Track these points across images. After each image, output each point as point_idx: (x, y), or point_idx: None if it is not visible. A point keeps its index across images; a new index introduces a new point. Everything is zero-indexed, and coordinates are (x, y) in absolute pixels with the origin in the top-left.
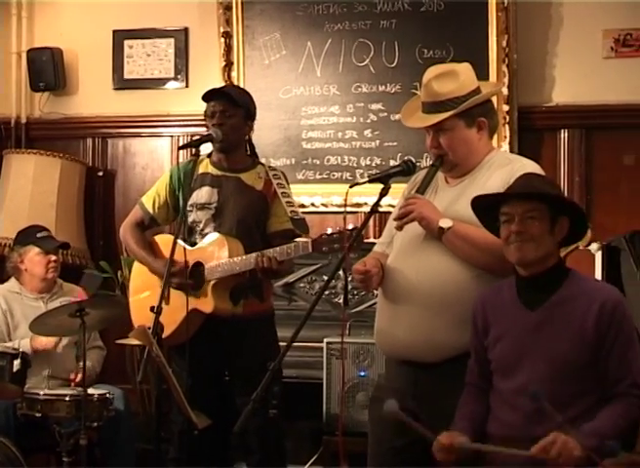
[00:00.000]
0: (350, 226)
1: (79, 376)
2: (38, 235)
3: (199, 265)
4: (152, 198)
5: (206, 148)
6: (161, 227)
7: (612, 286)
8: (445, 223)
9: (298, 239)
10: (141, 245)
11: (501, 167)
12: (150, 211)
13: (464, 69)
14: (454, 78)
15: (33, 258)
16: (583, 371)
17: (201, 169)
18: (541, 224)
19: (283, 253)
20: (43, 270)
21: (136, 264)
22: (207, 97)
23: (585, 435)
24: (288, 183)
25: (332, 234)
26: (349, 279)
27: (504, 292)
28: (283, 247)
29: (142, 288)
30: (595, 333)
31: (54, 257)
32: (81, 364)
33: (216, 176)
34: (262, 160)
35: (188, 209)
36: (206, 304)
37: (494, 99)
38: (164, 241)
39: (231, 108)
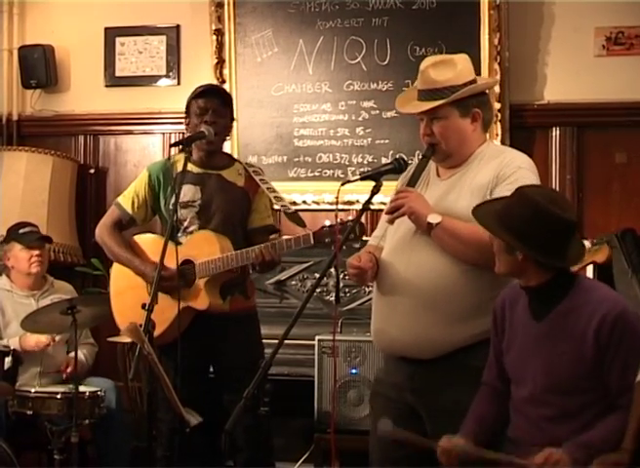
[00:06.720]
0: (350, 217)
1: (70, 368)
2: (20, 231)
3: (188, 263)
4: (131, 198)
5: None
6: (137, 228)
7: (618, 295)
8: (433, 219)
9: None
10: (124, 247)
11: (492, 159)
12: (129, 211)
13: (462, 60)
14: (451, 67)
15: (17, 255)
16: (585, 384)
17: (179, 167)
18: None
19: (282, 246)
20: (26, 265)
21: (116, 266)
22: (200, 93)
23: (577, 447)
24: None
25: (331, 226)
26: (341, 277)
27: (522, 297)
28: (282, 239)
29: (126, 289)
30: (595, 347)
31: (36, 252)
32: (72, 354)
33: (197, 174)
34: (254, 158)
35: (171, 207)
36: (200, 301)
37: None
38: (145, 241)
39: (222, 108)
